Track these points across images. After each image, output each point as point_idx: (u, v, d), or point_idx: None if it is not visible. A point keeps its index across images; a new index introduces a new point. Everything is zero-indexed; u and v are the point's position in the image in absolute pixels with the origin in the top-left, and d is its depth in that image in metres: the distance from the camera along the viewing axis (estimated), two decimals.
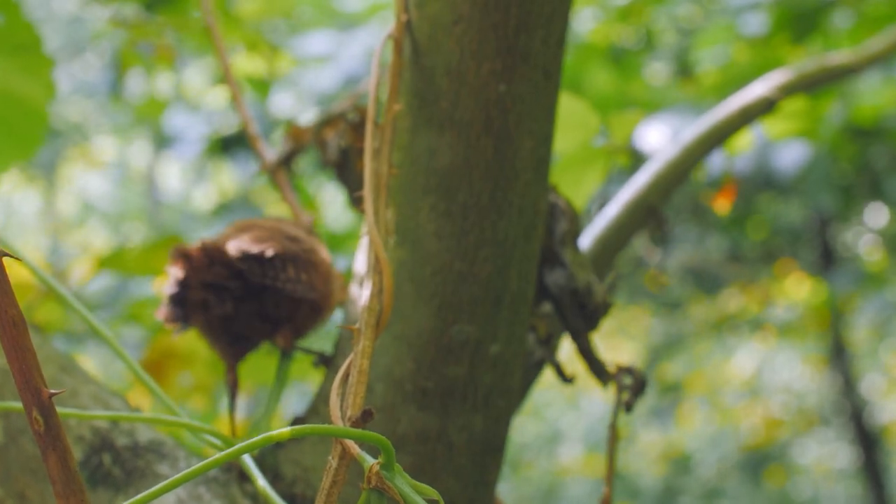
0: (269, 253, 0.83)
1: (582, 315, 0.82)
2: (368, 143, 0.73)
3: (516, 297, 0.79)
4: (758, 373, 5.67)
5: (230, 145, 2.82)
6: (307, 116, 3.09)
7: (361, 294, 0.67)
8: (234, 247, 0.84)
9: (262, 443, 0.57)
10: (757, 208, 3.26)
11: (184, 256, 0.83)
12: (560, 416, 6.20)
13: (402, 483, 0.57)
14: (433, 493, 0.57)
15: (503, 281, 0.78)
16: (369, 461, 0.58)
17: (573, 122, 1.04)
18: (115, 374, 3.50)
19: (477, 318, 0.78)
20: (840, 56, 1.26)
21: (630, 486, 5.27)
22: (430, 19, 0.78)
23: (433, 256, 0.77)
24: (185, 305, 0.86)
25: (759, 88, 1.12)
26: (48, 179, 5.22)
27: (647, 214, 0.98)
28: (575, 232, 0.83)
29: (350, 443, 0.59)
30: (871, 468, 4.15)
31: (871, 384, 5.21)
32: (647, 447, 5.50)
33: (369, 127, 0.74)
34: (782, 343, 5.25)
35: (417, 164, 0.78)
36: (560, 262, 0.82)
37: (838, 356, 4.23)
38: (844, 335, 4.23)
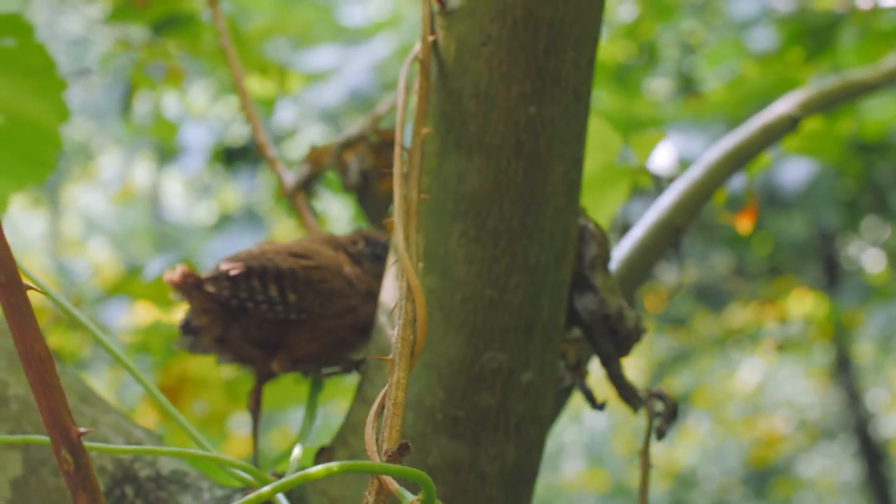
0: (234, 272, 0.82)
1: (613, 341, 0.81)
2: (397, 168, 0.72)
3: (548, 323, 0.77)
4: (762, 387, 5.65)
5: (234, 158, 2.80)
6: (313, 132, 3.08)
7: (394, 324, 0.66)
8: (211, 268, 0.83)
9: (297, 481, 0.55)
10: (761, 223, 3.25)
11: (172, 284, 0.83)
12: (563, 430, 6.18)
13: None
14: None
15: (535, 308, 0.76)
16: (408, 497, 0.56)
17: (595, 141, 1.02)
18: (119, 395, 3.47)
19: (508, 346, 0.76)
20: (859, 73, 1.25)
21: (635, 500, 5.23)
22: (458, 40, 0.76)
23: (463, 283, 0.76)
24: (194, 332, 0.85)
25: (781, 106, 1.10)
26: (52, 200, 5.20)
27: (673, 236, 0.96)
28: (605, 256, 0.82)
29: (388, 479, 0.57)
30: (875, 482, 4.13)
31: (876, 397, 5.19)
32: (652, 461, 5.46)
33: (397, 151, 0.73)
34: (786, 357, 5.23)
35: (446, 188, 0.76)
36: (590, 287, 0.81)
37: (842, 370, 4.22)
38: (848, 349, 4.21)
